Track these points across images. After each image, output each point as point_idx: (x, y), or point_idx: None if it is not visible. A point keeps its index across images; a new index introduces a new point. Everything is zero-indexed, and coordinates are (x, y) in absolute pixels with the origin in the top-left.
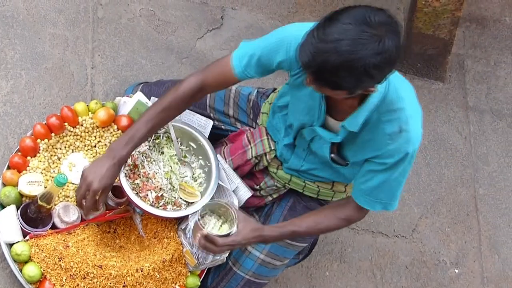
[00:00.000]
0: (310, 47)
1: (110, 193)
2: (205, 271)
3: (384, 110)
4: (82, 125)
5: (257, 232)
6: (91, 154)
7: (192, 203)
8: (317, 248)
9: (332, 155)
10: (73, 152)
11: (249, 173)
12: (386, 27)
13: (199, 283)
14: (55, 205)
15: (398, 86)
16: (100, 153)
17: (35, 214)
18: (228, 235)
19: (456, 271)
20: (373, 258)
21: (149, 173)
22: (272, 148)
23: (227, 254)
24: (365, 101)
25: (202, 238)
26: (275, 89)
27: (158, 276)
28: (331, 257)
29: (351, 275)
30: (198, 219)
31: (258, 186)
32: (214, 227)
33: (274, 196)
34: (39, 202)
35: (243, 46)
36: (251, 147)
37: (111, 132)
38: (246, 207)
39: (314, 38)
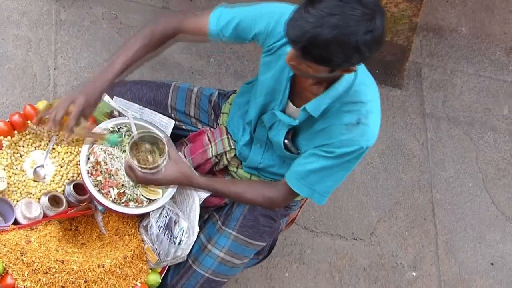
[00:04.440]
0: (300, 21)
1: (72, 189)
2: (166, 269)
3: (346, 100)
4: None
5: (182, 177)
6: (53, 154)
7: (153, 200)
8: (276, 249)
9: (286, 141)
10: (35, 149)
11: (210, 172)
12: (376, 7)
13: (160, 281)
14: (17, 201)
15: (364, 81)
16: (61, 152)
17: None
18: (151, 169)
19: (414, 274)
20: (331, 260)
21: (111, 170)
22: (232, 147)
23: (187, 252)
24: (330, 87)
25: (127, 166)
26: (235, 91)
27: (120, 272)
28: (291, 259)
29: (310, 277)
30: (131, 144)
31: None
32: (146, 152)
33: None
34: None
35: (224, 7)
36: (212, 146)
37: None
38: (206, 207)
39: (305, 12)
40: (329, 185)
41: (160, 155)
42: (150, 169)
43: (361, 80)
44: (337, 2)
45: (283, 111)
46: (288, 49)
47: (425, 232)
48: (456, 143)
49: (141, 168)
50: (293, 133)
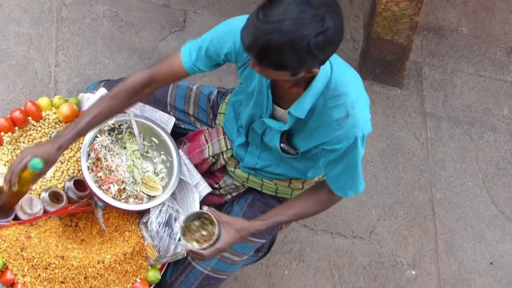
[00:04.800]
0: (252, 28)
1: (72, 186)
2: (166, 266)
3: (329, 96)
4: (45, 120)
5: (242, 232)
6: None
7: (153, 197)
8: (276, 247)
9: (282, 144)
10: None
11: (209, 172)
12: (327, 7)
13: (160, 277)
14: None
15: (341, 72)
16: None
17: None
18: (212, 244)
19: (413, 272)
20: (331, 258)
21: (111, 166)
22: (229, 147)
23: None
24: (309, 87)
25: (189, 252)
26: (231, 91)
27: (119, 268)
28: (290, 256)
29: (310, 274)
30: (182, 230)
31: (217, 185)
32: (199, 229)
33: (234, 194)
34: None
35: (191, 41)
36: (208, 146)
37: None
38: (207, 205)
39: (256, 19)
40: (356, 175)
41: (211, 223)
42: (212, 244)
43: (338, 72)
44: (287, 7)
45: (272, 116)
46: None
47: (424, 231)
48: (456, 142)
49: (204, 247)
50: (287, 135)
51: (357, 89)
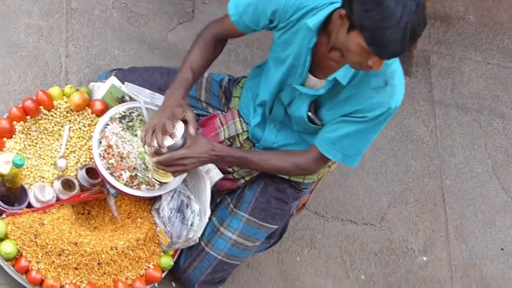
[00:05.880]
0: (398, 35)
1: (84, 173)
2: (179, 252)
3: None
4: (57, 109)
5: (208, 146)
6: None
7: (165, 183)
8: (287, 234)
9: (309, 113)
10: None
11: None
12: None
13: (173, 263)
14: (30, 185)
15: None
16: (74, 137)
17: (6, 193)
18: (177, 145)
19: (424, 258)
20: (342, 245)
21: (123, 153)
22: (245, 129)
23: (200, 234)
24: None
25: (155, 165)
26: (245, 76)
27: (132, 254)
28: (302, 243)
29: (321, 261)
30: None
31: (231, 169)
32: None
33: (247, 178)
34: (7, 184)
35: None
36: (224, 129)
37: (85, 116)
38: (218, 191)
39: (396, 26)
40: (360, 148)
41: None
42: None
43: None
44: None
45: (303, 84)
46: (312, 21)
47: (435, 217)
48: (465, 129)
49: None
50: (315, 105)
51: (397, 61)
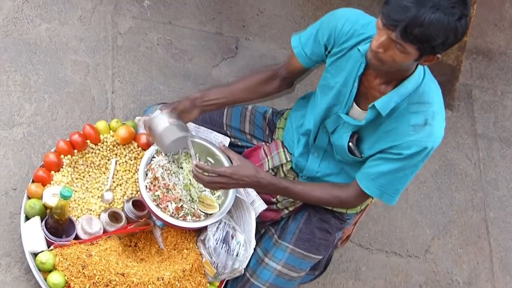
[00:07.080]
0: (402, 2)
1: (131, 206)
2: (224, 283)
3: (414, 100)
4: (103, 143)
5: (252, 171)
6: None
7: (211, 214)
8: (332, 266)
9: (350, 143)
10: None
11: None
12: None
13: None
14: (78, 217)
15: (430, 81)
16: (120, 170)
17: (55, 225)
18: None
19: None
20: (387, 277)
21: (169, 184)
22: (288, 159)
23: (245, 265)
24: (400, 85)
25: (194, 168)
26: (288, 108)
27: (179, 285)
28: (346, 275)
29: None
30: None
31: (275, 199)
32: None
33: (290, 209)
34: (55, 216)
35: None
36: (268, 160)
37: (131, 150)
38: (263, 222)
39: None
40: (398, 187)
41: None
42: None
43: (428, 79)
44: None
45: (347, 114)
46: (364, 46)
47: (479, 249)
48: (509, 162)
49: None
50: (356, 138)
51: (440, 103)
